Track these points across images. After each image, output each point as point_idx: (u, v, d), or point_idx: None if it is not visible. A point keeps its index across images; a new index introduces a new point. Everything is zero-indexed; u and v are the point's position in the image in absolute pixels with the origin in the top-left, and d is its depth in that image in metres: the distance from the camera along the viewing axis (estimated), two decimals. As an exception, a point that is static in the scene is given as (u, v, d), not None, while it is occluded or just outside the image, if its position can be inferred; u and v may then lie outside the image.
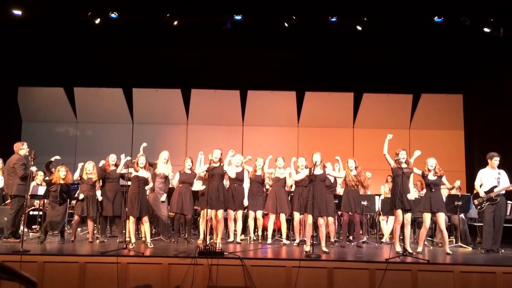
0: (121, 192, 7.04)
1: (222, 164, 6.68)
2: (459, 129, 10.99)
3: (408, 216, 6.21)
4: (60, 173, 6.77)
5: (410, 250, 6.01)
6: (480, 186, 6.83)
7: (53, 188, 6.69)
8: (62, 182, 6.74)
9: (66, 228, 8.31)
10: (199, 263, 5.22)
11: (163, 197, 6.98)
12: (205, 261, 5.21)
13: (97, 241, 6.94)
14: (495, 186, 6.65)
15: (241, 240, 7.20)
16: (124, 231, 6.54)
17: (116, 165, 7.06)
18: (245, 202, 7.12)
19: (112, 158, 7.12)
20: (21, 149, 7.00)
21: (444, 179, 6.46)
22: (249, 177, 7.35)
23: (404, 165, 6.27)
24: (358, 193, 7.21)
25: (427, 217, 6.33)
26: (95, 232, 7.62)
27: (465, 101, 10.85)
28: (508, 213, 7.44)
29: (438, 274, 5.20)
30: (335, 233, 7.34)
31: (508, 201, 7.46)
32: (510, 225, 7.43)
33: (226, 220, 7.41)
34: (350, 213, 7.21)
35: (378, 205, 8.09)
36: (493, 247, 6.58)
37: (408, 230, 6.20)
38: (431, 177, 6.39)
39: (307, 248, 6.05)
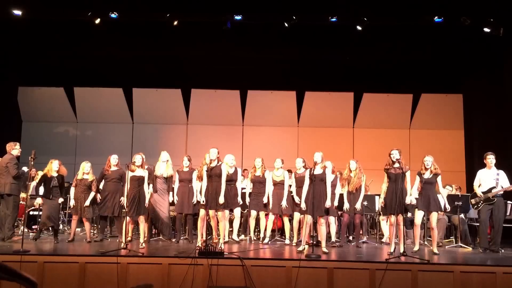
0: (121, 192, 7.04)
1: (220, 163, 6.62)
2: (459, 129, 10.99)
3: (400, 217, 6.12)
4: (53, 165, 6.81)
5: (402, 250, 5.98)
6: (479, 186, 6.83)
7: (54, 182, 6.74)
8: (56, 174, 6.77)
9: (66, 228, 8.34)
10: (199, 263, 5.22)
11: (170, 197, 7.01)
12: (205, 261, 5.21)
13: (94, 240, 6.94)
14: (494, 187, 6.65)
15: (241, 240, 7.20)
16: (124, 231, 6.54)
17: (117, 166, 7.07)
18: (239, 200, 7.05)
19: (114, 158, 7.10)
20: (14, 149, 7.03)
21: (439, 178, 6.41)
22: (250, 178, 7.34)
23: (396, 165, 6.23)
24: (358, 194, 7.21)
25: (418, 214, 6.34)
26: (95, 232, 7.63)
27: (465, 101, 10.85)
28: (508, 213, 7.45)
29: (438, 274, 5.20)
30: (335, 233, 7.34)
31: (508, 201, 7.46)
32: (510, 225, 7.43)
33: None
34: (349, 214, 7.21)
35: (378, 205, 8.09)
36: (492, 248, 6.58)
37: (401, 230, 6.16)
38: (427, 175, 6.39)
39: (300, 248, 6.07)
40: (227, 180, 6.88)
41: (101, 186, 7.22)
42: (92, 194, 7.03)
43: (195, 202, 7.03)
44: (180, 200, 7.10)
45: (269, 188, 7.20)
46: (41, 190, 7.72)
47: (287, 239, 7.19)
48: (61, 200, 6.92)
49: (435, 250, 6.24)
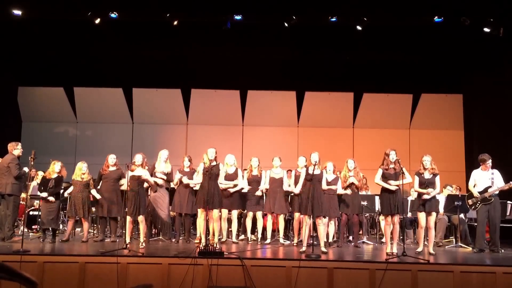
0: (119, 192, 7.03)
1: (218, 163, 6.63)
2: (459, 129, 10.99)
3: (396, 217, 6.11)
4: (55, 167, 6.80)
5: (395, 250, 6.00)
6: (474, 186, 6.82)
7: (51, 184, 6.71)
8: (56, 175, 6.77)
9: (65, 228, 8.33)
10: (199, 263, 5.22)
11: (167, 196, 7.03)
12: (205, 261, 5.21)
13: (94, 240, 6.93)
14: (489, 187, 6.64)
15: (240, 240, 7.19)
16: (124, 231, 6.53)
17: (116, 165, 7.06)
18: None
19: (111, 158, 7.09)
20: (15, 149, 7.03)
21: (437, 178, 6.33)
22: (247, 177, 7.34)
23: (391, 165, 6.21)
24: (357, 194, 7.20)
25: (421, 216, 6.30)
26: (94, 232, 7.64)
27: (465, 101, 10.85)
28: (508, 213, 7.44)
29: (438, 274, 5.20)
30: (334, 233, 7.33)
31: (508, 201, 7.46)
32: (510, 225, 7.42)
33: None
34: (347, 214, 7.20)
35: (378, 205, 8.09)
36: (492, 248, 6.58)
37: (397, 230, 6.16)
38: (427, 175, 6.31)
39: (302, 249, 6.06)
40: (228, 180, 6.88)
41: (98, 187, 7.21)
42: (93, 191, 7.03)
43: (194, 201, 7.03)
44: (180, 200, 7.11)
45: (264, 186, 7.18)
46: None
47: (281, 238, 7.18)
48: (51, 198, 6.81)
49: (431, 250, 6.23)
